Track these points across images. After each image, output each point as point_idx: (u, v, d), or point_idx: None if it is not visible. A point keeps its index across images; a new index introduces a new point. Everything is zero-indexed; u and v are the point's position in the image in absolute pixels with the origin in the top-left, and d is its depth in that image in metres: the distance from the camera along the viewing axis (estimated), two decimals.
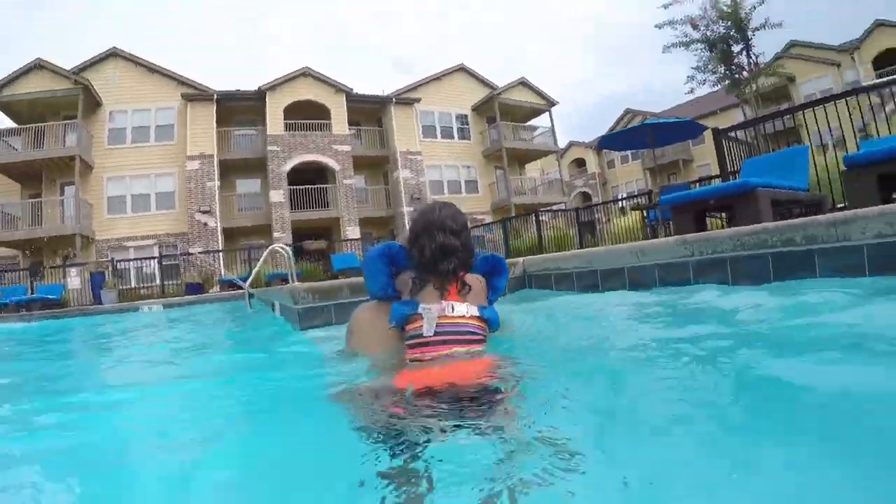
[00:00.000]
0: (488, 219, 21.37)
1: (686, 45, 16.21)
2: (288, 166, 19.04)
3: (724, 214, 4.41)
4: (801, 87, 25.26)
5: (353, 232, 19.12)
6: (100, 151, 18.24)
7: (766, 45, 17.22)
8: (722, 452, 0.83)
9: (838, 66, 25.38)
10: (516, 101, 23.22)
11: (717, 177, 7.07)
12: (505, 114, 23.03)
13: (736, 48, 16.05)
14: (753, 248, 2.25)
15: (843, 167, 3.85)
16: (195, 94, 18.80)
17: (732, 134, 6.07)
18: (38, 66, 17.07)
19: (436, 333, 1.44)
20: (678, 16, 16.09)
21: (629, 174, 36.42)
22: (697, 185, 8.65)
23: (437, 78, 22.73)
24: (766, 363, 1.18)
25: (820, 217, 2.12)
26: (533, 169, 26.34)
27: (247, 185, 20.18)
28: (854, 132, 5.28)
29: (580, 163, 39.66)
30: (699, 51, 16.25)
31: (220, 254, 16.65)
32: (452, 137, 23.07)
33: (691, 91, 17.13)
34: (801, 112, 5.35)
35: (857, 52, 25.10)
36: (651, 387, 1.17)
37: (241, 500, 0.91)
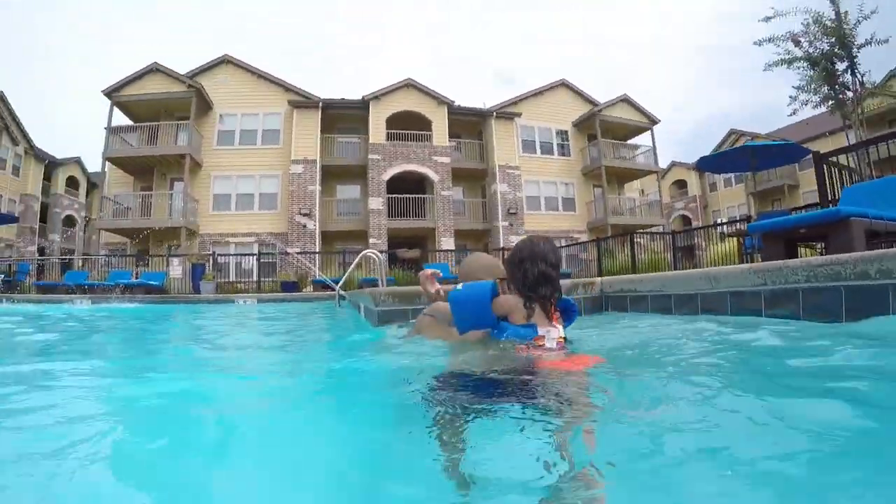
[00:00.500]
0: (584, 237, 20.40)
1: (788, 62, 14.84)
2: (388, 175, 18.96)
3: (821, 245, 4.28)
4: None
5: (447, 243, 18.68)
6: (208, 151, 18.83)
7: (874, 64, 15.48)
8: None
9: None
10: (617, 118, 22.23)
11: (816, 204, 6.67)
12: (606, 131, 22.06)
13: (840, 66, 14.61)
14: (825, 279, 2.16)
15: None
16: (301, 101, 19.16)
17: (835, 159, 5.80)
18: (155, 69, 18.02)
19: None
20: (779, 32, 15.02)
21: (732, 198, 33.76)
22: (794, 212, 8.26)
23: (538, 92, 22.14)
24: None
25: (891, 251, 2.02)
26: (632, 189, 24.95)
27: (346, 191, 20.28)
28: None
29: (681, 184, 37.32)
30: (801, 69, 14.91)
31: (317, 255, 16.70)
32: (552, 153, 22.20)
33: (794, 112, 15.75)
34: None
35: None
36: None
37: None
